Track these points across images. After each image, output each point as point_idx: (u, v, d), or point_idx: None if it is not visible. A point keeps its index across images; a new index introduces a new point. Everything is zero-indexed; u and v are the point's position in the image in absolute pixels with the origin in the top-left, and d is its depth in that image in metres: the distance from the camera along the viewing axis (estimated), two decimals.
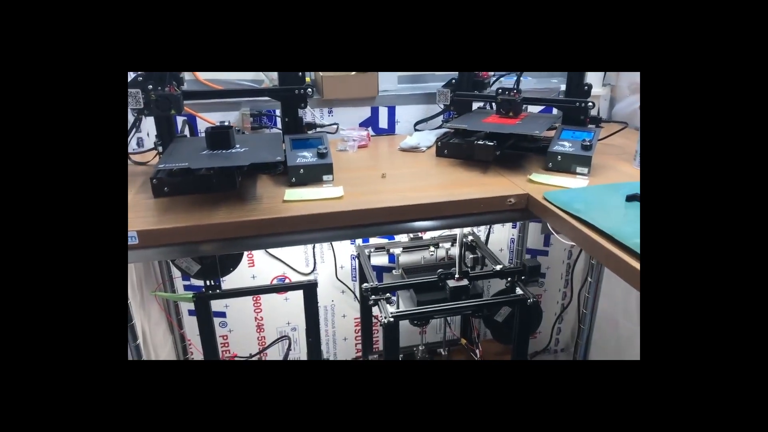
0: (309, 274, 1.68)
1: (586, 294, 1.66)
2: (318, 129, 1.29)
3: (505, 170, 1.16)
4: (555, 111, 1.46)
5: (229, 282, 1.60)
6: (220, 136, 1.02)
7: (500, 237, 1.82)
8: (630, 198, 0.93)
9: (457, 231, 1.69)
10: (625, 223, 0.83)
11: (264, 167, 0.95)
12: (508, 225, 1.81)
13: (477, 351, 1.71)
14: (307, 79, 1.48)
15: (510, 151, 1.24)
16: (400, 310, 1.27)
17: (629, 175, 1.12)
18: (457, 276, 1.40)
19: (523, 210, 1.05)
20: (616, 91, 1.63)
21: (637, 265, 0.72)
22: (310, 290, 1.36)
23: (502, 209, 1.05)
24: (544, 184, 1.07)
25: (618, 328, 1.71)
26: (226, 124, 1.21)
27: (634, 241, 0.75)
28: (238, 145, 1.06)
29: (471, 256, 1.60)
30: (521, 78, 1.61)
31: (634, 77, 1.54)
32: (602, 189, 1.02)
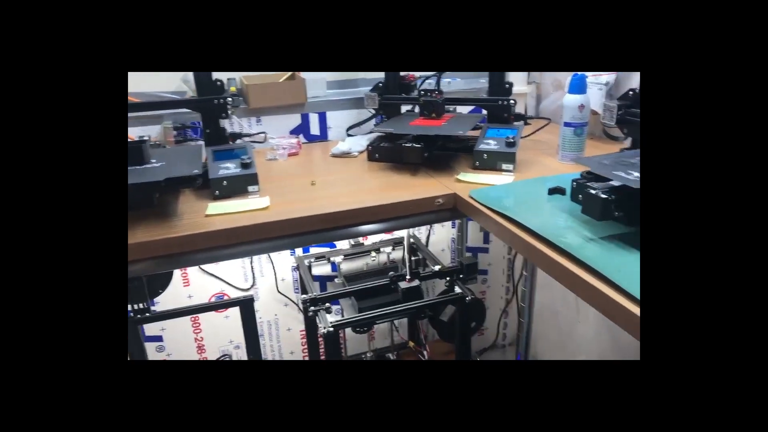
0: (249, 289, 1.63)
1: (522, 287, 1.70)
2: (244, 139, 1.25)
3: (434, 171, 1.17)
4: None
5: (163, 304, 1.53)
6: (132, 152, 0.97)
7: (441, 237, 1.83)
8: (552, 191, 0.95)
9: (400, 233, 1.69)
10: (549, 217, 0.85)
11: (181, 181, 0.91)
12: (448, 225, 1.83)
13: (425, 352, 1.71)
14: (233, 88, 1.44)
15: (439, 152, 1.25)
16: (340, 318, 1.25)
17: (553, 168, 1.15)
18: (408, 277, 1.39)
19: (452, 209, 1.05)
20: (541, 89, 1.68)
21: (560, 258, 0.74)
22: (246, 306, 1.31)
23: (432, 210, 1.05)
24: (471, 182, 1.08)
25: (558, 319, 1.75)
26: (145, 138, 1.16)
27: (562, 240, 0.76)
28: (154, 160, 1.01)
29: (413, 258, 1.60)
30: (450, 80, 1.64)
31: (558, 74, 1.59)
32: (526, 184, 1.04)
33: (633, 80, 1.00)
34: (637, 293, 0.61)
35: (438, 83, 1.29)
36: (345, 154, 1.34)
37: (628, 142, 1.09)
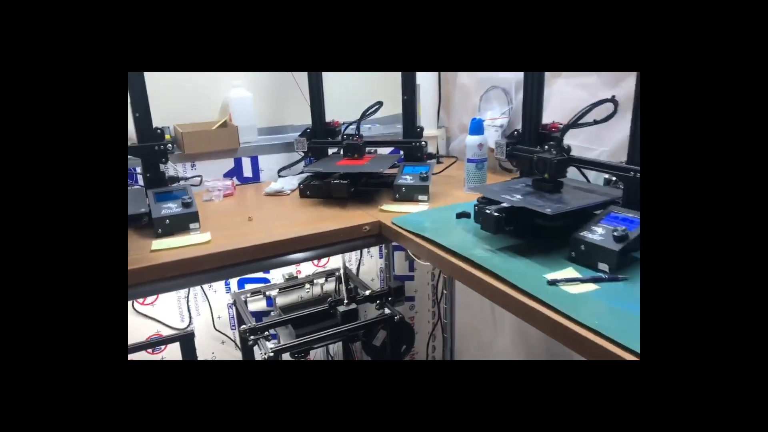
0: (185, 328, 1.66)
1: (444, 305, 1.87)
2: (181, 182, 1.34)
3: (360, 204, 1.32)
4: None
5: None
6: None
7: (370, 268, 1.97)
8: (459, 215, 1.14)
9: (332, 266, 1.81)
10: (458, 236, 1.02)
11: (131, 219, 0.97)
12: (376, 256, 1.98)
13: None
14: (168, 135, 1.53)
15: (363, 188, 1.41)
16: (279, 344, 1.33)
17: (461, 197, 1.34)
18: (346, 301, 1.51)
19: (377, 235, 1.20)
20: (450, 131, 1.91)
21: (469, 268, 0.91)
22: (186, 342, 1.36)
23: (360, 237, 1.19)
24: (392, 211, 1.24)
25: (480, 335, 1.93)
26: None
27: (470, 252, 0.93)
28: None
29: (345, 288, 1.73)
30: (371, 126, 1.83)
31: (464, 119, 1.83)
32: (438, 210, 1.22)
33: (518, 122, 1.23)
34: (533, 291, 0.78)
35: (358, 128, 1.47)
36: (278, 193, 1.46)
37: (518, 173, 1.30)
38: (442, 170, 1.59)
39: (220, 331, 1.73)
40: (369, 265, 1.96)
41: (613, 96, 0.94)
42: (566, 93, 1.31)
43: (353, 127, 1.57)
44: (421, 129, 1.44)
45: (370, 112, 1.41)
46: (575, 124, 0.99)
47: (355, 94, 1.63)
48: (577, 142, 1.20)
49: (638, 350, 0.61)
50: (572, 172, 1.06)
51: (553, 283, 0.80)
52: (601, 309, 0.73)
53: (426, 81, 1.80)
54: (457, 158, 1.59)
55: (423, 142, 1.42)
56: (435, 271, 2.08)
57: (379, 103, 1.42)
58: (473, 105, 1.71)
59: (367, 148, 1.49)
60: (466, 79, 1.80)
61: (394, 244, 1.70)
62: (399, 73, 1.43)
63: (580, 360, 0.70)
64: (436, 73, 1.82)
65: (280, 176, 1.62)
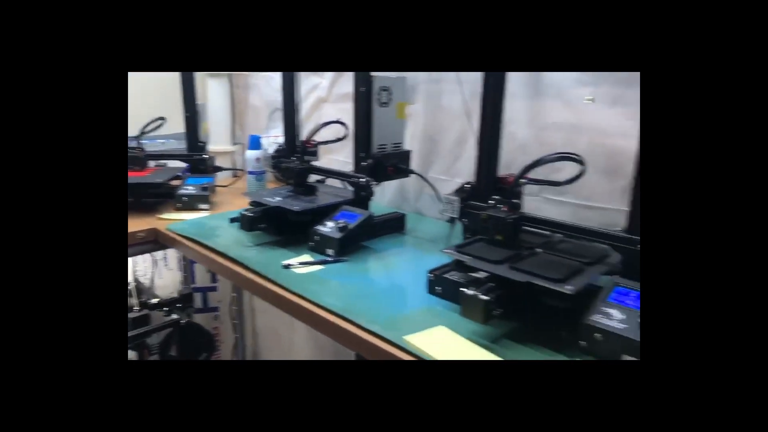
0: None
1: (234, 307, 1.99)
2: None
3: (141, 214, 1.37)
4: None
5: None
6: None
7: (168, 282, 1.99)
8: (232, 220, 1.27)
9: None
10: (226, 238, 1.16)
11: None
12: (175, 269, 2.00)
13: None
14: None
15: (148, 199, 1.46)
16: None
17: (242, 206, 1.47)
18: (137, 308, 1.52)
19: (153, 241, 1.28)
20: (245, 147, 2.04)
21: (230, 264, 1.04)
22: None
23: (136, 243, 1.25)
24: (170, 219, 1.33)
25: (280, 339, 2.07)
26: None
27: (230, 249, 1.07)
28: None
29: (137, 298, 1.73)
30: (165, 140, 1.87)
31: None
32: (213, 217, 1.34)
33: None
34: (269, 274, 0.95)
35: (138, 141, 1.51)
36: None
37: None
38: (233, 183, 1.72)
39: None
40: (167, 278, 1.98)
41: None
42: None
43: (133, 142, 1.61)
44: (204, 144, 1.55)
45: (150, 127, 1.47)
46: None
47: (147, 109, 1.67)
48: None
49: (337, 310, 0.81)
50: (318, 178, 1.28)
51: (287, 266, 0.98)
52: (316, 282, 0.93)
53: (220, 99, 1.92)
54: (242, 170, 1.73)
55: (205, 156, 1.53)
56: None
57: (162, 119, 1.49)
58: (263, 124, 1.88)
59: (157, 162, 1.55)
60: (257, 101, 1.96)
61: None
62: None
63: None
64: (228, 94, 1.94)
65: None
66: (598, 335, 0.68)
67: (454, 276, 0.84)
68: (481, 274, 0.79)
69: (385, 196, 1.50)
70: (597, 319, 0.69)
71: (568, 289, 0.69)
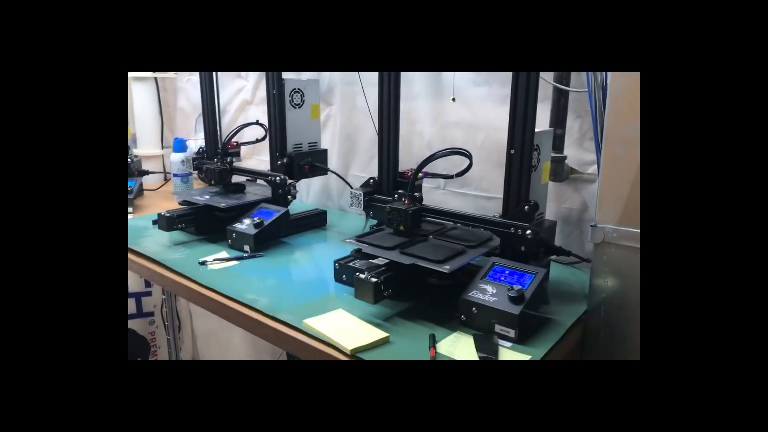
0: None
1: (165, 309, 2.00)
2: None
3: None
4: None
5: None
6: None
7: None
8: (154, 222, 1.29)
9: None
10: (148, 239, 1.18)
11: None
12: None
13: None
14: None
15: None
16: None
17: (165, 208, 1.49)
18: None
19: None
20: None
21: (162, 270, 1.07)
22: None
23: None
24: None
25: (219, 340, 2.08)
26: None
27: (146, 248, 1.09)
28: None
29: None
30: None
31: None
32: (138, 219, 1.36)
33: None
34: (184, 270, 0.99)
35: None
36: None
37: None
38: (162, 186, 1.73)
39: None
40: None
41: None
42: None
43: None
44: (127, 148, 1.55)
45: None
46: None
47: None
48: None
49: (252, 303, 0.86)
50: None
51: (203, 263, 1.02)
52: (231, 276, 0.97)
53: (146, 102, 1.91)
54: (170, 173, 1.74)
55: (129, 159, 1.54)
56: None
57: None
58: (192, 127, 1.89)
59: None
60: (184, 102, 1.97)
61: None
62: None
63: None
64: (155, 97, 1.94)
65: None
66: (474, 309, 0.77)
67: (357, 264, 0.91)
68: (379, 261, 0.87)
69: (309, 195, 1.56)
70: (473, 294, 0.78)
71: (445, 268, 0.77)
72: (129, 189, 1.44)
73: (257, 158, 1.70)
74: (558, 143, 1.00)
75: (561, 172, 1.02)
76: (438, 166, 0.92)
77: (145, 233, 1.22)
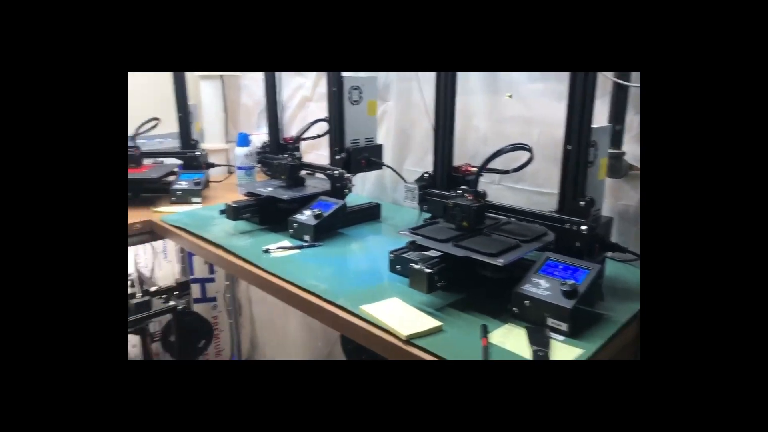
0: None
1: (227, 294, 2.11)
2: None
3: (140, 208, 1.48)
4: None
5: None
6: None
7: (168, 273, 2.10)
8: (222, 212, 1.38)
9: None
10: (216, 227, 1.26)
11: None
12: (174, 261, 2.12)
13: None
14: None
15: (146, 194, 1.57)
16: None
17: (230, 199, 1.58)
18: (140, 294, 1.64)
19: (150, 232, 1.39)
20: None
21: (219, 252, 1.15)
22: None
23: (134, 233, 1.37)
24: (165, 212, 1.44)
25: (275, 326, 2.18)
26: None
27: (218, 237, 1.18)
28: None
29: (140, 286, 1.84)
30: (162, 140, 1.99)
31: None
32: (205, 209, 1.45)
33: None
34: (249, 257, 1.06)
35: (134, 140, 1.62)
36: None
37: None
38: (226, 178, 1.83)
39: None
40: (167, 270, 2.09)
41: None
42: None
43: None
44: (196, 142, 1.66)
45: (145, 127, 1.58)
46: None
47: (143, 111, 1.77)
48: None
49: (311, 288, 0.91)
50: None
51: (266, 251, 1.09)
52: (292, 263, 1.03)
53: (213, 99, 2.02)
54: (233, 166, 1.84)
55: (197, 153, 1.64)
56: None
57: (156, 119, 1.60)
58: (254, 122, 1.98)
59: (154, 159, 1.66)
60: (248, 100, 2.07)
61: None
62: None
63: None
64: (221, 94, 2.05)
65: None
66: (526, 302, 0.78)
67: (410, 255, 0.95)
68: (432, 253, 0.90)
69: (365, 188, 1.61)
70: (527, 288, 0.79)
71: (499, 261, 0.79)
72: (197, 181, 1.54)
73: (316, 153, 1.77)
74: (616, 139, 1.00)
75: (619, 168, 1.01)
76: (494, 161, 0.94)
77: (212, 222, 1.31)
